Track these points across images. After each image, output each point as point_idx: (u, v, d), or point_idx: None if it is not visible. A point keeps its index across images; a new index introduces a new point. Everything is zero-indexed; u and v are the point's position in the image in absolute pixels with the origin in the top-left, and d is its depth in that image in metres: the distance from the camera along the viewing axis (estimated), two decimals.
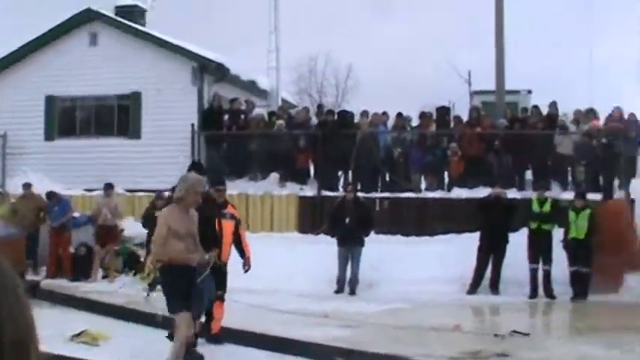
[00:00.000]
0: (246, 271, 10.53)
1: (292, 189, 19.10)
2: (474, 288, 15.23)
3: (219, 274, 9.72)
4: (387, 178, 19.56)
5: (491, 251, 15.31)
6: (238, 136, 19.96)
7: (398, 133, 19.80)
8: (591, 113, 19.35)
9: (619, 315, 13.40)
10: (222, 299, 10.10)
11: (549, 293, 14.96)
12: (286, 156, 19.50)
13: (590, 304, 14.45)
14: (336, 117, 20.41)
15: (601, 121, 19.03)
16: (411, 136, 19.89)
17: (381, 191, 18.96)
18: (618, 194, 17.79)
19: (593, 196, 16.90)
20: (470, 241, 15.56)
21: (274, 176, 19.53)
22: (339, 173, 19.52)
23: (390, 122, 20.00)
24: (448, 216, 17.56)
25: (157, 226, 7.97)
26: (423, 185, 19.37)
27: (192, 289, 8.02)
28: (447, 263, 15.35)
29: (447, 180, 19.43)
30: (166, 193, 17.28)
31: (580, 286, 14.83)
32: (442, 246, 16.27)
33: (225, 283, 10.17)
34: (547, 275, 15.01)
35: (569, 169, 19.25)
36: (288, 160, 19.58)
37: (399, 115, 19.83)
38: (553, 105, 19.70)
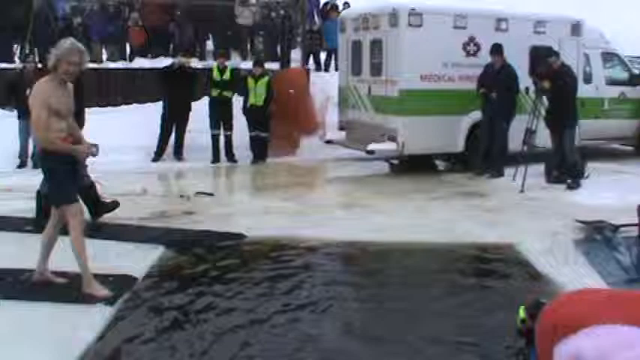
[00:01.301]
0: None
1: None
2: (158, 155, 15.47)
3: None
4: None
5: (175, 119, 15.56)
6: None
7: (77, 2, 19.22)
8: None
9: (294, 174, 14.45)
10: None
11: (231, 157, 15.62)
12: None
13: (270, 165, 15.36)
14: None
15: None
16: (91, 5, 19.39)
17: None
18: (295, 64, 18.74)
19: (272, 66, 17.67)
20: (153, 111, 15.73)
21: None
22: (15, 46, 18.60)
23: None
24: (130, 86, 17.55)
25: (34, 104, 6.59)
26: (105, 56, 19.10)
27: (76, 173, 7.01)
28: (131, 133, 15.31)
29: (128, 50, 19.29)
30: None
31: (259, 150, 15.65)
32: (126, 116, 16.26)
33: None
34: (228, 141, 15.62)
35: (248, 39, 19.87)
36: None
37: None
38: None
